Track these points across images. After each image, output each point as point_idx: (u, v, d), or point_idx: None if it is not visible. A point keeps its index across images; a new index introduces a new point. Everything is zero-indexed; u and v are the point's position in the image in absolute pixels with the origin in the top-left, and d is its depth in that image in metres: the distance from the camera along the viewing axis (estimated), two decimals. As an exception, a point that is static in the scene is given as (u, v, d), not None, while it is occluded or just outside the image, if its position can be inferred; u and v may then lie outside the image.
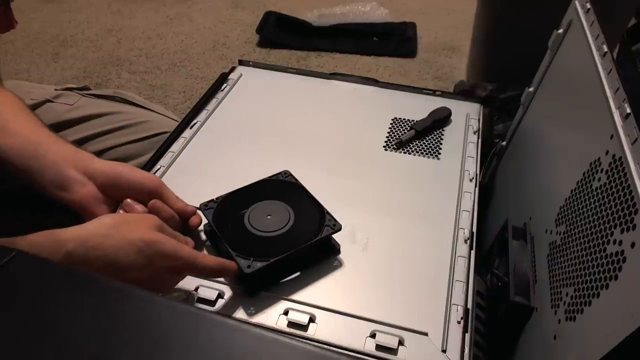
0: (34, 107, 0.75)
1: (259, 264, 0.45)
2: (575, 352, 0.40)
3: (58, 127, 0.74)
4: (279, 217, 0.51)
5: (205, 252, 0.51)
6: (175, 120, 0.79)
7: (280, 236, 0.49)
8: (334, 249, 0.52)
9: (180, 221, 0.51)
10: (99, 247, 0.40)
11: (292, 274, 0.49)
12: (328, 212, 0.51)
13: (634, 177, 0.38)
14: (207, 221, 0.51)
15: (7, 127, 0.52)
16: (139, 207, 0.49)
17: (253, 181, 0.55)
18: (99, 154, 0.74)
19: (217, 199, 0.52)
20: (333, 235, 0.51)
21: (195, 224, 0.52)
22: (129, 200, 0.50)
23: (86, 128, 0.75)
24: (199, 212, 0.52)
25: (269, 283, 0.48)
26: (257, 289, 0.48)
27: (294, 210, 0.51)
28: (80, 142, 0.74)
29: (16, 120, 0.53)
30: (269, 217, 0.51)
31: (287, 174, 0.56)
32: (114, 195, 0.50)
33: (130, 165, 0.53)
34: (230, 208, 0.51)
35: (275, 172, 0.56)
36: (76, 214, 0.50)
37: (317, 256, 0.51)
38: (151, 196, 0.50)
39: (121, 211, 0.49)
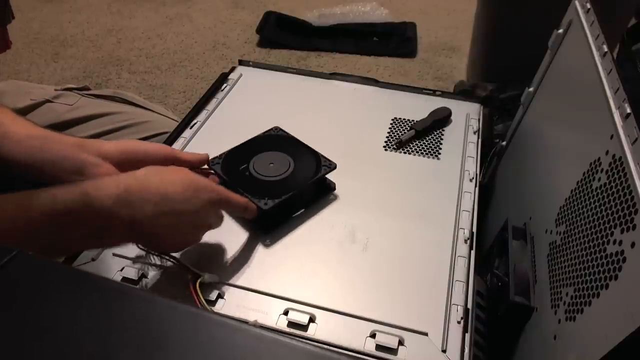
0: (33, 107, 0.75)
1: (273, 202, 0.52)
2: (575, 352, 0.40)
3: (58, 128, 0.74)
4: (280, 164, 0.57)
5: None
6: (175, 120, 0.79)
7: (285, 179, 0.56)
8: (330, 187, 0.59)
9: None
10: (151, 181, 0.45)
11: (298, 211, 0.56)
12: (322, 155, 0.58)
13: (634, 177, 0.38)
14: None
15: (8, 130, 0.53)
16: None
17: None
18: None
19: (220, 155, 0.58)
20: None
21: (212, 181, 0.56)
22: None
23: (86, 128, 0.75)
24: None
25: (280, 220, 0.55)
26: (271, 226, 0.54)
27: (292, 157, 0.58)
28: None
29: (15, 124, 0.54)
30: (271, 164, 0.57)
31: (278, 129, 0.63)
32: (131, 170, 0.51)
33: (138, 140, 0.55)
34: (234, 162, 0.57)
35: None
36: None
37: (317, 194, 0.58)
38: (166, 162, 0.52)
39: None
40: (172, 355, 0.26)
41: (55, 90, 0.79)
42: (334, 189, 0.59)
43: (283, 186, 0.54)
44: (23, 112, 0.73)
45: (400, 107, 0.73)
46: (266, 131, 0.62)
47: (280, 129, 0.63)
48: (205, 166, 0.57)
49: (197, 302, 0.45)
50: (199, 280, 0.46)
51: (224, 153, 0.58)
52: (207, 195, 0.46)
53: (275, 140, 0.61)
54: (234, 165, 0.57)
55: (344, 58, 1.65)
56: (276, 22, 1.77)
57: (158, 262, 0.50)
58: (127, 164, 0.52)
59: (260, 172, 0.56)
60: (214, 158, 0.57)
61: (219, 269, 0.50)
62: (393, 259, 0.52)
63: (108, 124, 0.76)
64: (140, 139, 0.76)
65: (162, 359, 0.26)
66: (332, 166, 0.57)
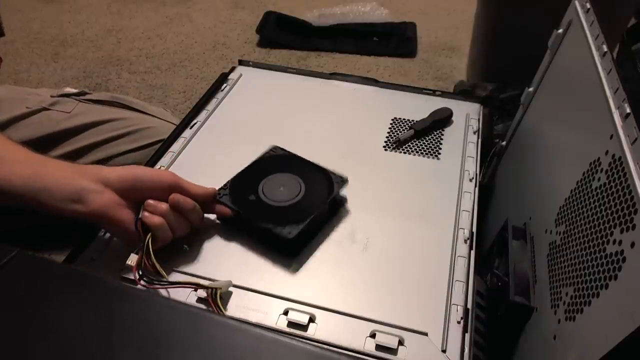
0: (29, 116, 0.74)
1: (297, 229, 0.50)
2: (575, 352, 0.40)
3: (56, 137, 0.73)
4: (291, 186, 0.55)
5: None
6: (175, 125, 0.78)
7: (300, 201, 0.54)
8: (342, 202, 0.57)
9: (205, 206, 0.52)
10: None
11: (317, 232, 0.54)
12: (331, 170, 0.56)
13: (633, 177, 0.38)
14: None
15: (1, 157, 0.49)
16: (163, 205, 0.49)
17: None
18: (100, 163, 0.73)
19: (225, 186, 0.55)
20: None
21: (224, 213, 0.53)
22: (150, 201, 0.49)
23: (85, 137, 0.74)
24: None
25: (304, 244, 0.53)
26: (297, 251, 0.52)
27: (301, 177, 0.56)
28: (79, 152, 0.73)
29: (7, 149, 0.50)
30: (281, 188, 0.55)
31: (277, 148, 0.60)
32: (134, 198, 0.49)
33: (141, 166, 0.52)
34: (241, 190, 0.55)
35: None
36: (92, 226, 0.49)
37: (332, 211, 0.56)
38: (170, 191, 0.50)
39: (146, 213, 0.48)
40: (172, 355, 0.26)
41: (52, 96, 0.78)
42: (346, 201, 0.57)
43: (301, 210, 0.52)
44: (19, 120, 0.73)
45: (400, 107, 0.73)
46: (266, 152, 0.60)
47: (280, 148, 0.60)
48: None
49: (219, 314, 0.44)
50: (219, 292, 0.45)
51: (227, 182, 0.55)
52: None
53: (278, 160, 0.59)
54: (242, 194, 0.54)
55: (344, 58, 1.65)
56: (276, 22, 1.76)
57: (168, 288, 0.47)
58: (130, 192, 0.49)
59: (273, 198, 0.54)
60: (220, 190, 0.54)
61: (218, 269, 0.50)
62: (393, 259, 0.52)
63: (107, 132, 0.75)
64: (141, 146, 0.75)
65: (162, 359, 0.26)
66: (344, 180, 0.56)
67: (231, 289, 0.48)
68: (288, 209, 0.53)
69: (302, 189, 0.55)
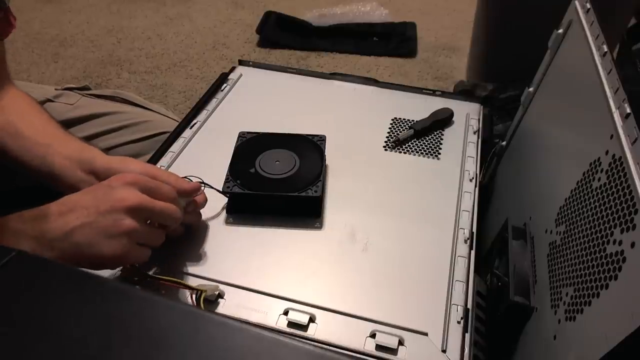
0: None
1: (319, 186, 0.54)
2: (575, 352, 0.40)
3: None
4: (284, 158, 0.58)
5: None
6: (176, 120, 0.79)
7: (302, 166, 0.57)
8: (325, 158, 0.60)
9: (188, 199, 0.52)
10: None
11: (326, 189, 0.58)
12: (305, 134, 0.61)
13: (634, 177, 0.38)
14: (227, 200, 0.56)
15: (17, 131, 0.56)
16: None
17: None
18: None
19: (227, 179, 0.55)
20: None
21: (201, 201, 0.53)
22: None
23: (87, 128, 0.75)
24: (223, 194, 0.55)
25: (322, 204, 0.57)
26: (320, 209, 0.56)
27: (286, 148, 0.59)
28: None
29: (25, 123, 0.57)
30: (277, 162, 0.57)
31: (245, 133, 0.62)
32: None
33: (129, 158, 0.54)
34: (243, 177, 0.55)
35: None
36: None
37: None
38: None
39: None
40: (172, 355, 0.26)
41: (56, 89, 0.79)
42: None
43: (308, 172, 0.56)
44: None
45: (400, 107, 0.73)
46: (238, 141, 0.60)
47: (248, 132, 0.62)
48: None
49: None
50: (202, 296, 0.45)
51: (227, 175, 0.55)
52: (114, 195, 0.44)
53: (255, 143, 0.60)
54: (246, 179, 0.55)
55: (344, 58, 1.65)
56: (276, 22, 1.77)
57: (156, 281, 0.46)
58: None
59: (278, 172, 0.56)
60: (225, 184, 0.54)
61: (219, 269, 0.50)
62: (393, 259, 0.52)
63: (108, 124, 0.76)
64: (140, 138, 0.76)
65: (162, 359, 0.26)
66: (323, 137, 0.61)
67: (227, 288, 0.48)
68: (297, 175, 0.56)
69: (295, 157, 0.58)
